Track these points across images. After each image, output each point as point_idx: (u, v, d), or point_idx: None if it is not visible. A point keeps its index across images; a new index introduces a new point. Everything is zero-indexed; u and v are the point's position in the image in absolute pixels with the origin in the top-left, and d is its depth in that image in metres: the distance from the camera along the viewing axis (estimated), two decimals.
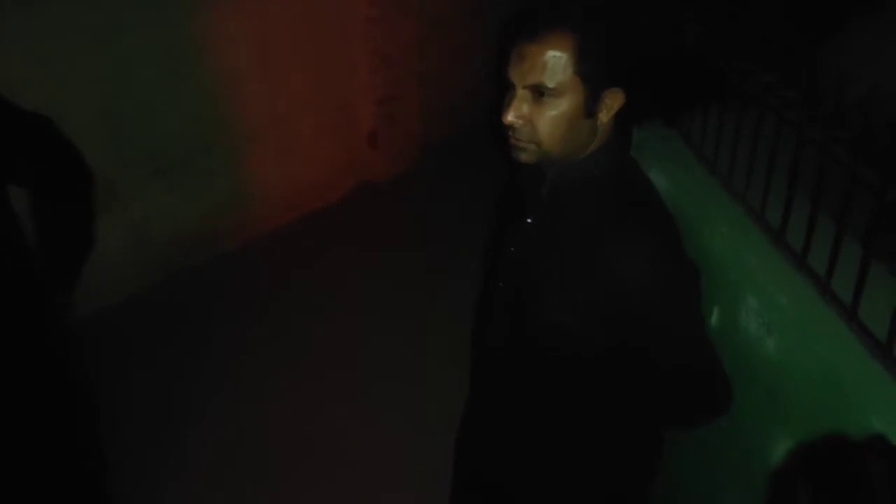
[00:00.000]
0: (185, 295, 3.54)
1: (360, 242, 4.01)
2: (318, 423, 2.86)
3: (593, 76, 1.33)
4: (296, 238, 4.03)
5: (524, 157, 1.40)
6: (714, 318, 1.73)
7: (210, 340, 3.26)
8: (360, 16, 4.17)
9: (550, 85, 1.32)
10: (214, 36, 3.56)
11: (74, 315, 1.85)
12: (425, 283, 3.63)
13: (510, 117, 1.36)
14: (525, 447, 1.60)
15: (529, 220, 1.51)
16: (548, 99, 1.33)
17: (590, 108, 1.35)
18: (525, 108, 1.35)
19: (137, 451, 2.63)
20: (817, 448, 0.99)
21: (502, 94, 1.39)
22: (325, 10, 4.01)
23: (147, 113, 3.41)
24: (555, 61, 1.31)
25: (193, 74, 3.55)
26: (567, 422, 1.51)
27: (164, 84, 3.44)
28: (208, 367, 3.12)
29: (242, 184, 3.93)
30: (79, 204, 1.80)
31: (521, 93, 1.35)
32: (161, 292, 3.54)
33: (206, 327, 3.33)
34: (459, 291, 3.37)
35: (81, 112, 3.19)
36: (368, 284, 3.67)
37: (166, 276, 3.61)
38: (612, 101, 1.37)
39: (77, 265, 1.81)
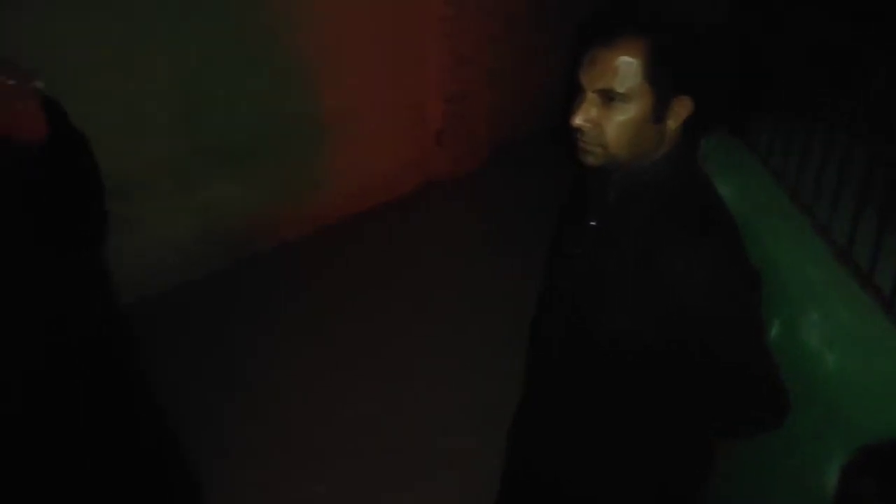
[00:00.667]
0: (247, 281, 3.64)
1: (421, 239, 4.06)
2: (357, 414, 2.90)
3: (663, 83, 1.34)
4: (358, 231, 4.10)
5: (591, 161, 1.41)
6: (774, 330, 1.72)
7: (267, 326, 3.33)
8: (435, 14, 4.21)
9: (620, 90, 1.33)
10: (291, 28, 3.65)
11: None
12: (483, 282, 3.66)
13: (578, 120, 1.37)
14: (577, 445, 1.61)
15: (593, 223, 1.52)
16: (617, 104, 1.35)
17: (658, 114, 1.36)
18: (593, 112, 1.37)
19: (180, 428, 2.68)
20: (883, 447, 0.98)
21: (572, 96, 1.41)
22: (401, 7, 4.07)
23: (222, 102, 3.51)
24: (625, 66, 1.32)
25: (268, 66, 3.64)
26: (620, 422, 1.52)
27: (241, 74, 3.54)
28: (262, 351, 3.20)
29: (309, 175, 4.01)
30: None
31: (590, 96, 1.37)
32: (224, 277, 3.64)
33: (263, 313, 3.41)
34: (518, 291, 3.37)
35: (158, 99, 3.31)
36: (426, 281, 3.71)
37: (231, 262, 3.71)
38: (681, 109, 1.38)
39: None
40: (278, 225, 3.91)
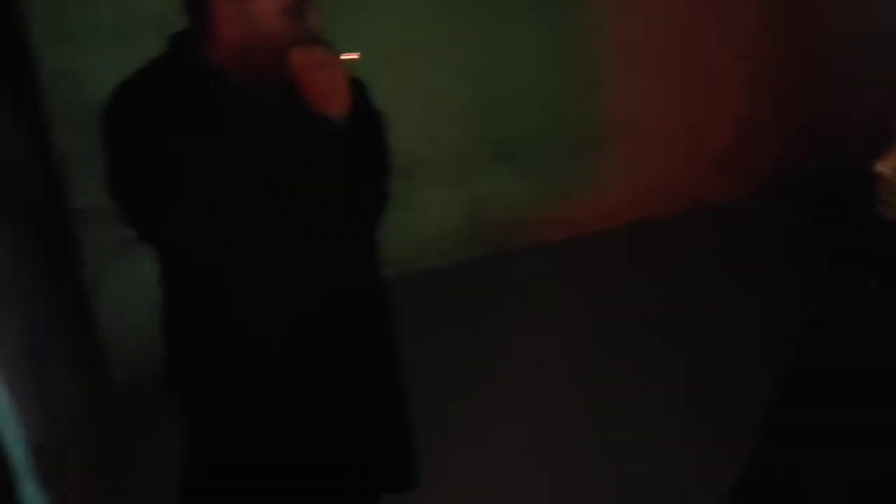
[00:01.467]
0: (503, 273, 3.73)
1: (677, 261, 3.92)
2: (561, 422, 2.90)
3: None
4: (615, 242, 4.03)
5: (888, 214, 1.28)
6: None
7: (511, 319, 3.41)
8: (734, 36, 4.04)
9: None
10: (589, 30, 3.70)
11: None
12: (723, 318, 3.46)
13: (885, 168, 1.25)
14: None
15: (874, 284, 1.38)
16: None
17: None
18: None
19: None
20: None
21: (880, 140, 1.29)
22: (702, 23, 3.95)
23: (512, 97, 3.64)
24: None
25: (562, 66, 3.72)
26: None
27: (534, 72, 3.65)
28: (500, 342, 3.28)
29: (581, 179, 4.03)
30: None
31: None
32: (484, 265, 3.78)
33: (511, 306, 3.49)
34: (760, 332, 3.15)
35: (453, 89, 3.51)
36: (667, 305, 3.58)
37: (493, 252, 3.85)
38: None
39: None
40: (542, 223, 3.98)
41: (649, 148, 4.12)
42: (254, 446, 1.80)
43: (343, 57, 1.58)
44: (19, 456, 0.91)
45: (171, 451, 1.94)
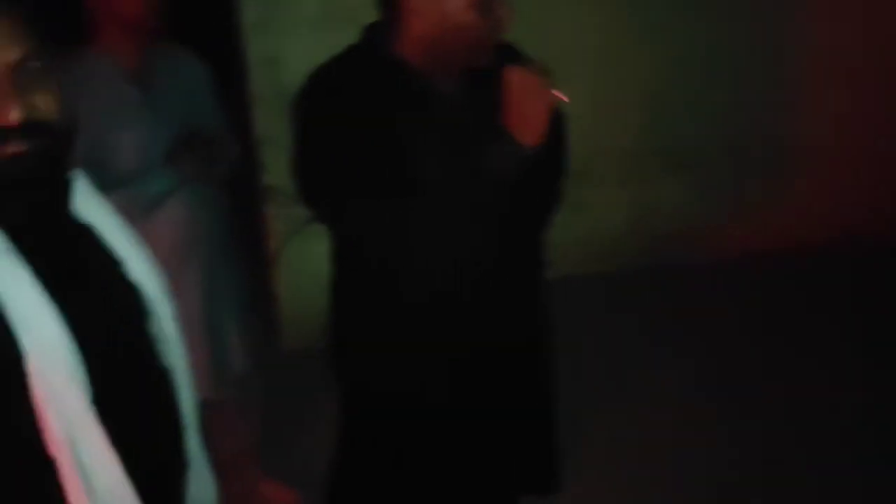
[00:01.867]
0: (661, 286, 3.63)
1: (846, 293, 3.65)
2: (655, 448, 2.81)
3: None
4: (777, 268, 3.78)
5: None
6: None
7: (661, 331, 3.35)
8: None
9: None
10: (780, 45, 3.52)
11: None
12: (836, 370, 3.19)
13: None
14: None
15: None
16: None
17: None
18: None
19: None
20: None
21: None
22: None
23: (686, 107, 3.59)
24: None
25: (745, 79, 3.61)
26: None
27: (713, 83, 3.56)
28: (641, 353, 3.25)
29: (752, 196, 3.88)
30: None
31: None
32: (641, 275, 3.69)
33: (660, 319, 3.42)
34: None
35: (627, 95, 3.47)
36: (831, 333, 3.35)
37: (655, 264, 3.75)
38: None
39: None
40: (708, 239, 3.85)
41: (836, 174, 3.90)
42: (400, 438, 1.83)
43: (554, 92, 1.56)
44: (188, 410, 0.98)
45: (330, 423, 2.02)
